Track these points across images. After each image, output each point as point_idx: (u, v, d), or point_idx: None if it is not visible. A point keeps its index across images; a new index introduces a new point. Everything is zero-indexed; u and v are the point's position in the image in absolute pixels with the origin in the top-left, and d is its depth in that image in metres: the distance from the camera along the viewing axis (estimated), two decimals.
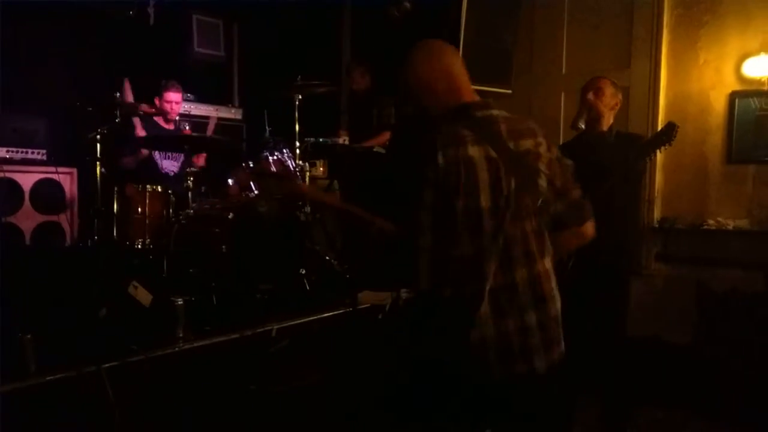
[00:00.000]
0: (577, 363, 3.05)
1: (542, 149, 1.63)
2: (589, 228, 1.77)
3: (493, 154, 1.56)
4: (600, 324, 2.97)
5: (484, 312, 1.53)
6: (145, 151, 4.31)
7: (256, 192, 3.54)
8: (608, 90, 2.96)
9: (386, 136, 4.79)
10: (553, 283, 1.65)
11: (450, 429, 1.62)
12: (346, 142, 4.58)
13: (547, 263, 1.64)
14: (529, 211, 1.59)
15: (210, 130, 5.13)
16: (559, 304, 1.66)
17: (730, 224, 4.03)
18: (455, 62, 1.73)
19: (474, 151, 1.55)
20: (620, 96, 3.01)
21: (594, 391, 3.17)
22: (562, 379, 1.64)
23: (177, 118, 4.65)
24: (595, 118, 2.98)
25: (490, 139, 1.57)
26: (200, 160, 4.52)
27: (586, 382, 3.11)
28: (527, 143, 1.61)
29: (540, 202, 1.61)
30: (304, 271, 3.59)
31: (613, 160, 2.84)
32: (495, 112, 1.65)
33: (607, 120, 2.99)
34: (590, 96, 2.96)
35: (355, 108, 5.01)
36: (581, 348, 3.02)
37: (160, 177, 4.27)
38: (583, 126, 2.99)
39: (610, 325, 3.00)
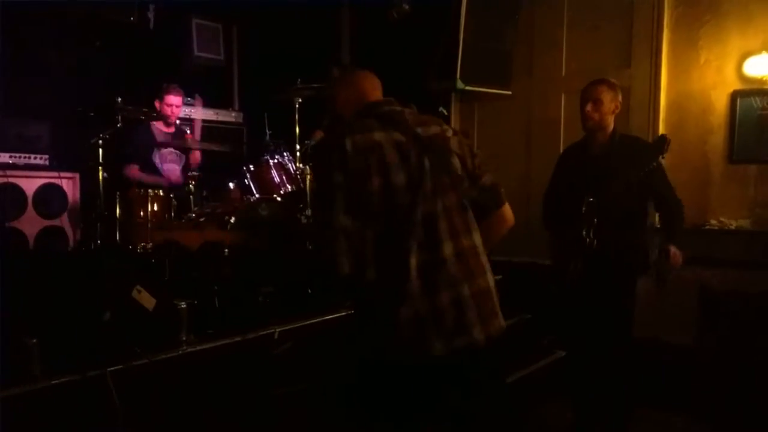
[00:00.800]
0: (585, 363, 3.12)
1: (449, 134, 1.76)
2: (508, 212, 1.86)
3: (401, 137, 1.66)
4: (608, 325, 2.99)
5: (415, 288, 1.57)
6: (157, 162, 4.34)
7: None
8: (606, 97, 2.92)
9: None
10: (484, 258, 1.72)
11: (403, 416, 1.64)
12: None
13: (476, 239, 1.71)
14: (447, 188, 1.67)
15: (197, 134, 5.12)
16: (491, 278, 1.72)
17: (733, 224, 4.03)
18: (365, 81, 1.89)
19: (381, 136, 1.65)
20: (620, 97, 2.98)
21: (596, 391, 3.18)
22: (500, 353, 1.71)
23: (177, 122, 4.66)
24: (595, 127, 2.97)
25: (397, 125, 1.69)
26: (197, 156, 4.51)
27: (591, 383, 3.13)
28: (433, 129, 1.74)
29: (458, 180, 1.71)
30: (305, 274, 3.60)
31: (618, 164, 2.85)
32: (398, 107, 1.78)
33: (609, 124, 2.98)
34: (588, 108, 2.93)
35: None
36: (588, 348, 3.07)
37: (162, 181, 4.28)
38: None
39: (617, 325, 3.00)
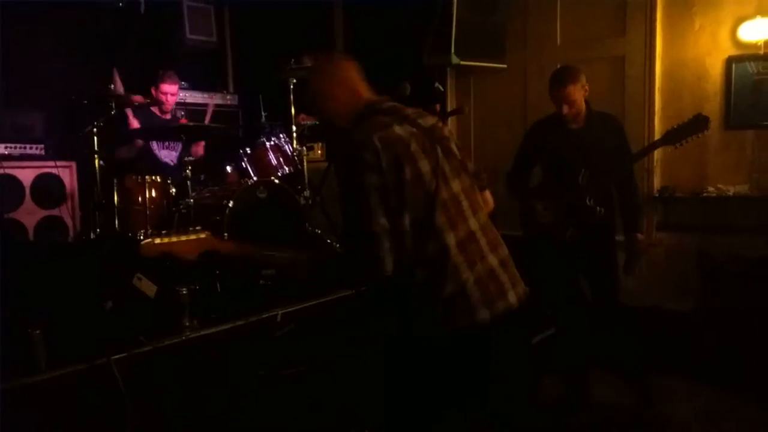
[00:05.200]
0: (584, 333, 3.19)
1: (440, 124, 1.88)
2: (489, 197, 2.04)
3: (413, 129, 1.76)
4: (603, 287, 3.20)
5: (457, 263, 1.68)
6: (140, 142, 4.27)
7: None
8: (577, 94, 3.04)
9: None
10: (495, 230, 1.87)
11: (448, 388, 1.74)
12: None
13: (486, 215, 1.87)
14: (458, 171, 1.81)
15: (207, 118, 5.10)
16: (504, 249, 1.87)
17: (731, 190, 4.03)
18: (351, 72, 1.92)
19: (399, 130, 1.73)
20: (584, 79, 3.10)
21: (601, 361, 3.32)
22: (526, 313, 1.83)
23: (173, 108, 4.63)
24: (576, 117, 3.12)
25: (406, 119, 1.78)
26: (199, 149, 4.50)
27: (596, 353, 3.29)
28: (429, 120, 1.85)
29: (461, 163, 1.84)
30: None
31: (599, 138, 3.08)
32: (395, 103, 1.86)
33: (583, 106, 3.12)
34: (566, 111, 3.06)
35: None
36: (581, 315, 3.16)
37: (159, 167, 4.26)
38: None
39: (612, 287, 3.21)
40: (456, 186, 1.77)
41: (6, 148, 4.24)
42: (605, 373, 3.47)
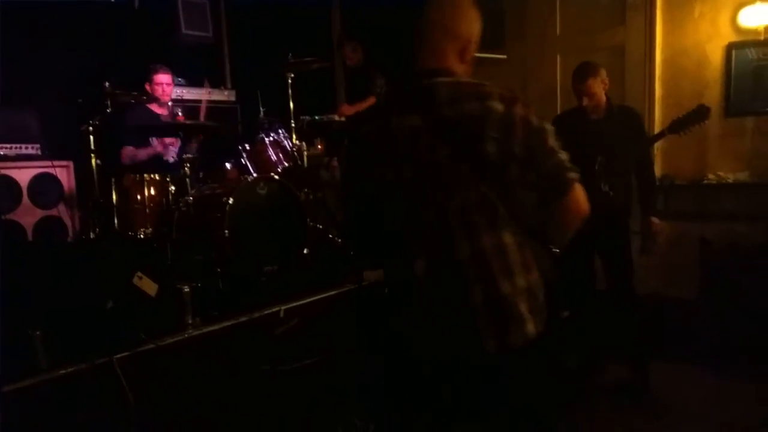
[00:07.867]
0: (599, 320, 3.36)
1: (494, 112, 1.44)
2: (573, 202, 1.53)
3: (419, 122, 1.45)
4: (618, 270, 3.38)
5: (423, 289, 1.45)
6: (154, 143, 4.28)
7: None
8: (597, 87, 3.21)
9: (371, 100, 4.75)
10: (512, 257, 1.48)
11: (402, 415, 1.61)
12: (343, 118, 4.52)
13: (505, 237, 1.47)
14: (468, 180, 1.44)
15: (202, 115, 5.07)
16: (519, 280, 1.47)
17: (731, 177, 4.02)
18: (429, 20, 1.61)
19: (396, 121, 1.47)
20: (605, 73, 3.25)
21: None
22: (524, 364, 1.49)
23: (170, 102, 4.60)
24: (595, 107, 3.29)
25: (421, 107, 1.47)
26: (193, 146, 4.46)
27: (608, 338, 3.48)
28: (472, 107, 1.44)
29: (488, 168, 1.44)
30: (307, 251, 3.60)
31: (618, 129, 3.23)
32: (441, 79, 1.52)
33: (603, 98, 3.29)
34: (586, 102, 3.24)
35: (353, 84, 4.95)
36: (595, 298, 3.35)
37: (160, 165, 4.24)
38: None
39: (626, 270, 3.39)
40: (453, 200, 1.44)
41: (1, 148, 4.21)
42: (612, 355, 3.54)
